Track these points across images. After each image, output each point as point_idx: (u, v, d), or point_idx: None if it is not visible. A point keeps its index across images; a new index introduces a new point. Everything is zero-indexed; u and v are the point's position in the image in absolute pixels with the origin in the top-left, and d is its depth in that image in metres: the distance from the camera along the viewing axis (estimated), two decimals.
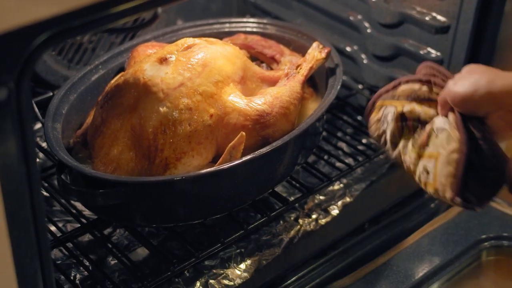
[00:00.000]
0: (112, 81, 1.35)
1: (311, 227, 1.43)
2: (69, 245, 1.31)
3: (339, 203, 1.49)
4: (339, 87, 1.36)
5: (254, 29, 1.59)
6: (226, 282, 1.31)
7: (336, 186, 1.51)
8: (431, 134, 1.11)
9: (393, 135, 1.18)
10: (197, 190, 1.22)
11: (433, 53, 1.52)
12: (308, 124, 1.29)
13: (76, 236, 1.32)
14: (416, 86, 1.15)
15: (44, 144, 1.55)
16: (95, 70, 1.44)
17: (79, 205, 1.36)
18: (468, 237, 1.47)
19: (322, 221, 1.45)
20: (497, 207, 1.55)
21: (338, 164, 1.53)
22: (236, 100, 1.28)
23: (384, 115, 1.18)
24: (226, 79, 1.29)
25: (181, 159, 1.23)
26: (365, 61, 1.68)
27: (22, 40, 0.79)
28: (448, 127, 1.09)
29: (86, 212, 1.36)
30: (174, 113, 1.22)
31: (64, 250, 1.32)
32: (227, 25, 1.60)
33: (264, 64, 1.51)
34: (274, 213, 1.35)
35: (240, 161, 1.21)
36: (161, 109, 1.22)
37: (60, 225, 1.38)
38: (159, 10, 1.44)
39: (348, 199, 1.50)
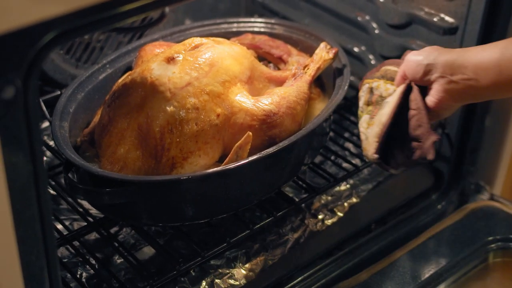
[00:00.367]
0: (120, 80, 1.35)
1: (317, 227, 1.43)
2: (76, 243, 1.31)
3: (346, 203, 1.49)
4: (346, 87, 1.36)
5: (262, 29, 1.59)
6: (231, 281, 1.31)
7: (343, 187, 1.51)
8: (380, 105, 1.26)
9: (361, 109, 1.31)
10: (204, 190, 1.22)
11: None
12: (315, 124, 1.29)
13: (82, 235, 1.32)
14: (391, 67, 1.27)
15: (51, 143, 1.55)
16: (102, 69, 1.44)
17: (86, 203, 1.36)
18: (475, 238, 1.46)
19: (328, 222, 1.45)
20: (504, 209, 1.54)
21: (345, 164, 1.53)
22: (243, 100, 1.28)
23: (362, 90, 1.31)
24: (233, 79, 1.29)
25: (188, 159, 1.23)
26: (372, 62, 1.68)
27: (29, 38, 0.79)
28: (391, 97, 1.23)
29: (93, 211, 1.36)
30: (181, 113, 1.22)
31: (70, 249, 1.32)
32: (235, 25, 1.60)
33: (271, 64, 1.51)
34: (280, 213, 1.35)
35: (247, 161, 1.21)
36: (168, 108, 1.22)
37: (67, 223, 1.39)
38: (167, 9, 1.44)
39: (354, 200, 1.50)
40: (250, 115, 1.27)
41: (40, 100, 1.50)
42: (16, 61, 0.79)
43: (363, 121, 1.29)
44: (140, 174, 1.24)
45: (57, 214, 1.40)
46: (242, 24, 1.60)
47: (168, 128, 1.22)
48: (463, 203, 1.61)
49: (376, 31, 1.64)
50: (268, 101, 1.29)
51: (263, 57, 1.51)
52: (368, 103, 1.29)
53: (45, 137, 1.59)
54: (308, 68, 1.40)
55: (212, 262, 1.33)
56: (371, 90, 1.29)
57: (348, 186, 1.52)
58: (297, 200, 1.40)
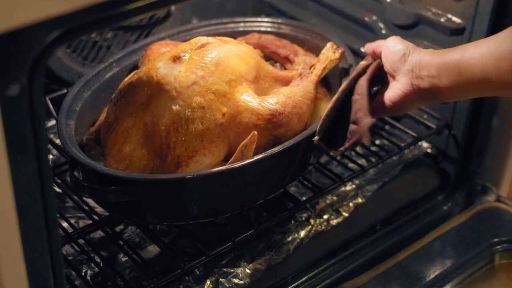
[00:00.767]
0: (126, 79, 1.36)
1: (323, 227, 1.43)
2: (81, 241, 1.32)
3: (351, 204, 1.48)
4: None
5: (269, 29, 1.59)
6: (236, 281, 1.31)
7: (348, 187, 1.51)
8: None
9: None
10: (209, 189, 1.22)
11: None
12: None
13: (87, 233, 1.33)
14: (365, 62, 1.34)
15: (58, 141, 1.56)
16: (109, 68, 1.44)
17: (91, 201, 1.36)
18: (481, 240, 1.46)
19: (334, 222, 1.45)
20: (510, 211, 1.54)
21: (350, 165, 1.53)
22: (248, 99, 1.28)
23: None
24: (239, 78, 1.30)
25: (193, 158, 1.23)
26: None
27: (35, 36, 0.80)
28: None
29: (98, 209, 1.36)
30: (186, 112, 1.22)
31: (75, 246, 1.32)
32: (242, 24, 1.60)
33: (277, 64, 1.51)
34: (285, 213, 1.35)
35: (252, 160, 1.21)
36: (173, 107, 1.23)
37: (72, 221, 1.39)
38: (172, 8, 1.44)
39: (360, 200, 1.49)
40: (255, 115, 1.27)
41: (47, 98, 1.51)
42: (21, 59, 0.79)
43: None
44: (145, 173, 1.24)
45: (63, 212, 1.40)
46: (248, 24, 1.60)
47: (173, 127, 1.22)
48: (469, 205, 1.61)
49: (383, 31, 1.64)
50: (274, 101, 1.29)
51: (270, 57, 1.51)
52: None
53: (52, 135, 1.59)
54: (314, 68, 1.39)
55: (216, 261, 1.33)
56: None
57: (353, 186, 1.51)
58: (302, 200, 1.40)
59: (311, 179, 1.49)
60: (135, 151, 1.25)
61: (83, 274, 1.30)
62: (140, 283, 1.28)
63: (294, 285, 1.38)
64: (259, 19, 1.62)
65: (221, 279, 1.31)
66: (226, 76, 1.28)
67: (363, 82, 1.28)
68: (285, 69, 1.49)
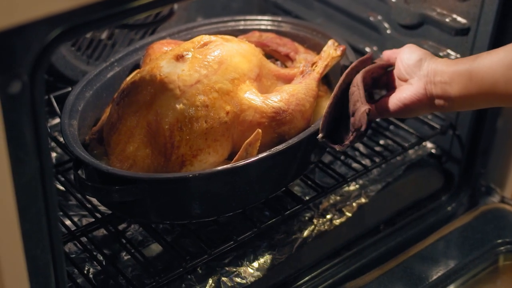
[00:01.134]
0: (128, 78, 1.36)
1: (326, 227, 1.43)
2: (84, 239, 1.32)
3: (354, 204, 1.48)
4: None
5: (269, 27, 1.58)
6: (238, 280, 1.31)
7: (352, 187, 1.51)
8: None
9: None
10: (214, 187, 1.22)
11: (453, 55, 1.51)
12: None
13: (90, 231, 1.33)
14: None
15: (62, 139, 1.56)
16: (110, 67, 1.44)
17: (94, 200, 1.37)
18: (484, 241, 1.45)
19: (337, 222, 1.44)
20: None
21: (354, 164, 1.53)
22: (252, 97, 1.28)
23: None
24: (242, 77, 1.30)
25: (197, 156, 1.23)
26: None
27: (37, 34, 0.80)
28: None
29: (102, 207, 1.36)
30: (190, 110, 1.22)
31: (78, 244, 1.32)
32: (242, 22, 1.60)
33: (278, 62, 1.51)
34: (288, 212, 1.35)
35: (257, 158, 1.21)
36: (177, 106, 1.23)
37: (75, 219, 1.39)
38: (175, 6, 1.44)
39: (363, 200, 1.49)
40: (259, 113, 1.27)
41: (51, 96, 1.51)
42: (22, 56, 0.79)
43: None
44: (149, 172, 1.24)
45: (66, 210, 1.40)
46: (249, 22, 1.59)
47: (177, 125, 1.22)
48: (474, 205, 1.60)
49: (388, 31, 1.63)
50: (277, 98, 1.29)
51: (270, 55, 1.51)
52: None
53: (56, 133, 1.60)
54: (316, 66, 1.39)
55: (219, 260, 1.33)
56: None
57: (357, 186, 1.51)
58: (305, 199, 1.40)
59: (315, 178, 1.49)
60: (139, 150, 1.25)
61: (85, 272, 1.30)
62: (142, 282, 1.28)
63: (296, 284, 1.38)
64: (259, 17, 1.62)
65: (223, 278, 1.31)
66: (229, 75, 1.28)
67: (358, 75, 1.29)
68: (286, 67, 1.49)
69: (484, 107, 1.29)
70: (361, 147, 1.60)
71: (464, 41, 1.48)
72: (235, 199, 1.26)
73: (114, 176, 1.18)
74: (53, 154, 1.59)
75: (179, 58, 1.28)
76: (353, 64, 1.32)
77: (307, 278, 1.39)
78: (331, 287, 1.40)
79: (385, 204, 1.53)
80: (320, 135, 1.25)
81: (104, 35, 1.69)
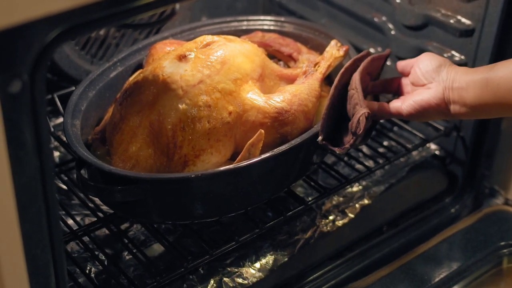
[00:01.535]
0: (131, 78, 1.36)
1: (328, 228, 1.43)
2: (86, 238, 1.32)
3: (357, 205, 1.48)
4: None
5: (272, 27, 1.58)
6: (240, 280, 1.31)
7: (355, 188, 1.51)
8: None
9: None
10: (216, 188, 1.21)
11: (457, 56, 1.50)
12: None
13: (92, 230, 1.33)
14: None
15: (65, 138, 1.56)
16: (113, 67, 1.44)
17: (97, 199, 1.37)
18: (488, 243, 1.45)
19: (339, 223, 1.44)
20: None
21: (358, 166, 1.52)
22: (254, 97, 1.28)
23: None
24: (245, 77, 1.29)
25: (200, 156, 1.23)
26: (388, 63, 1.66)
27: (37, 33, 0.80)
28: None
29: (104, 207, 1.37)
30: (193, 110, 1.22)
31: (80, 244, 1.32)
32: (245, 22, 1.60)
33: (281, 62, 1.50)
34: (290, 213, 1.34)
35: (259, 158, 1.21)
36: (180, 106, 1.23)
37: (78, 218, 1.39)
38: (177, 6, 1.44)
39: (366, 201, 1.49)
40: (262, 113, 1.27)
41: (55, 95, 1.52)
42: (23, 55, 0.79)
43: None
44: (152, 172, 1.24)
45: (69, 209, 1.40)
46: (252, 22, 1.59)
47: (180, 125, 1.22)
48: (477, 207, 1.60)
49: (392, 32, 1.63)
50: (280, 99, 1.29)
51: (273, 55, 1.51)
52: None
53: (60, 132, 1.60)
54: (319, 66, 1.39)
55: (221, 260, 1.33)
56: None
57: (360, 187, 1.51)
58: (308, 200, 1.40)
59: (318, 179, 1.48)
60: (141, 150, 1.25)
61: (87, 271, 1.30)
62: (144, 282, 1.28)
63: (298, 285, 1.38)
64: (262, 17, 1.62)
65: (225, 279, 1.30)
66: (232, 75, 1.28)
67: (355, 76, 1.28)
68: (289, 67, 1.49)
69: (499, 116, 1.28)
70: (364, 148, 1.59)
71: (468, 42, 1.48)
72: (237, 200, 1.26)
73: (116, 176, 1.18)
74: (57, 153, 1.59)
75: (182, 58, 1.28)
76: (347, 64, 1.31)
77: (309, 279, 1.39)
78: None
79: (388, 206, 1.53)
80: (320, 138, 1.25)
81: (108, 35, 1.69)
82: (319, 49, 1.49)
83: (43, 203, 0.88)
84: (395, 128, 1.67)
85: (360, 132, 1.22)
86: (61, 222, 1.32)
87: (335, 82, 1.29)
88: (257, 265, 1.34)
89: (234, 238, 1.28)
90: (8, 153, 0.81)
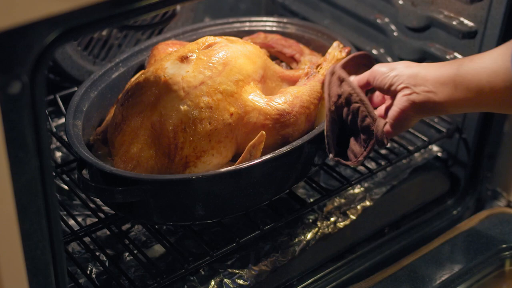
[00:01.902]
0: (133, 79, 1.36)
1: (329, 230, 1.42)
2: (87, 239, 1.32)
3: (359, 206, 1.48)
4: None
5: (274, 28, 1.59)
6: (241, 282, 1.31)
7: (357, 190, 1.51)
8: None
9: None
10: (216, 189, 1.21)
11: (460, 58, 1.50)
12: None
13: (94, 231, 1.33)
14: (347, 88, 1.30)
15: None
16: (115, 68, 1.44)
17: (98, 200, 1.37)
18: (489, 245, 1.44)
19: (341, 224, 1.44)
20: None
21: (359, 167, 1.52)
22: (256, 99, 1.28)
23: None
24: (247, 78, 1.29)
25: (201, 158, 1.23)
26: None
27: (37, 34, 0.80)
28: None
29: (106, 208, 1.37)
30: (194, 112, 1.22)
31: (81, 244, 1.33)
32: (247, 24, 1.60)
33: (283, 63, 1.50)
34: (291, 215, 1.34)
35: (260, 160, 1.21)
36: (181, 107, 1.23)
37: (80, 219, 1.40)
38: (178, 8, 1.44)
39: (368, 203, 1.49)
40: (263, 114, 1.27)
41: (57, 96, 1.52)
42: (23, 57, 0.80)
43: None
44: (153, 173, 1.24)
45: (70, 210, 1.41)
46: (254, 23, 1.60)
47: (181, 127, 1.22)
48: (479, 209, 1.60)
49: (395, 34, 1.63)
50: (281, 100, 1.29)
51: (276, 56, 1.51)
52: None
53: (62, 133, 1.60)
54: (321, 68, 1.39)
55: (222, 261, 1.33)
56: None
57: (362, 189, 1.51)
58: (309, 201, 1.39)
59: (320, 181, 1.48)
60: (142, 151, 1.25)
61: (88, 272, 1.30)
62: (145, 282, 1.28)
63: (299, 287, 1.38)
64: (264, 18, 1.62)
65: (225, 280, 1.30)
66: (234, 76, 1.27)
67: (355, 87, 1.27)
68: (291, 68, 1.49)
69: (472, 111, 1.28)
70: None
71: (471, 44, 1.47)
72: (238, 201, 1.25)
73: (116, 176, 1.18)
74: (59, 154, 1.59)
75: (184, 59, 1.28)
76: (327, 80, 1.30)
77: (310, 280, 1.39)
78: None
79: (390, 207, 1.53)
80: (331, 155, 1.25)
81: (110, 35, 1.69)
82: (322, 50, 1.49)
83: (43, 203, 0.89)
84: None
85: (387, 143, 1.23)
86: (62, 223, 1.33)
87: (329, 102, 1.28)
88: (258, 266, 1.34)
89: (235, 240, 1.28)
90: (7, 154, 0.81)
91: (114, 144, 1.29)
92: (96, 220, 1.34)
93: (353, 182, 1.42)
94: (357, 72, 1.33)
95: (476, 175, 1.59)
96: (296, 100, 1.30)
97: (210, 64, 1.27)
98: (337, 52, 1.42)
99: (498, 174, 1.60)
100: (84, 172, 1.32)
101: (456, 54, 1.51)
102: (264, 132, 1.24)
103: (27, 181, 0.85)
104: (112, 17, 0.84)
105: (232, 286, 1.30)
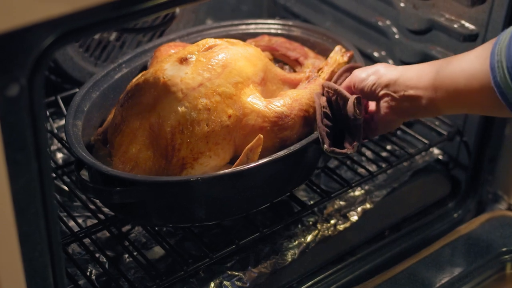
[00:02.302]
0: (133, 80, 1.36)
1: (329, 232, 1.42)
2: (87, 240, 1.32)
3: (359, 209, 1.48)
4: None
5: (279, 31, 1.58)
6: (240, 284, 1.31)
7: (357, 192, 1.50)
8: None
9: None
10: (212, 192, 1.21)
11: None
12: None
13: (94, 232, 1.33)
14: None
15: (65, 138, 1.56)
16: (118, 69, 1.45)
17: (99, 201, 1.37)
18: (490, 249, 1.44)
19: (341, 227, 1.44)
20: None
21: (360, 170, 1.52)
22: (255, 101, 1.28)
23: None
24: (246, 81, 1.29)
25: (198, 159, 1.23)
26: None
27: (35, 37, 0.80)
28: None
29: (106, 209, 1.37)
30: (192, 113, 1.22)
31: (81, 246, 1.33)
32: (252, 26, 1.59)
33: (287, 66, 1.50)
34: (291, 217, 1.34)
35: (256, 164, 1.20)
36: (179, 109, 1.22)
37: (80, 220, 1.40)
38: (177, 10, 1.44)
39: (368, 206, 1.49)
40: (261, 117, 1.26)
41: (59, 97, 1.52)
42: (21, 59, 0.80)
43: None
44: (151, 174, 1.24)
45: (71, 211, 1.41)
46: (259, 26, 1.59)
47: (179, 128, 1.22)
48: (480, 212, 1.59)
49: (396, 36, 1.63)
50: (280, 103, 1.29)
51: (279, 59, 1.51)
52: None
53: (63, 134, 1.60)
54: (322, 71, 1.39)
55: (221, 263, 1.33)
56: None
57: (362, 191, 1.51)
58: (309, 204, 1.39)
59: (320, 183, 1.48)
60: (141, 152, 1.25)
61: (88, 273, 1.30)
62: (144, 284, 1.28)
63: None
64: (269, 21, 1.61)
65: (225, 282, 1.30)
66: (233, 78, 1.27)
67: (326, 84, 1.28)
68: (295, 71, 1.48)
69: (454, 113, 1.28)
70: (367, 152, 1.59)
71: (472, 47, 1.44)
72: (235, 204, 1.26)
73: (113, 177, 1.18)
74: (60, 155, 1.60)
75: (183, 61, 1.28)
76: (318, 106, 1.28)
77: (310, 283, 1.39)
78: None
79: (390, 210, 1.53)
80: (325, 146, 1.23)
81: (112, 37, 1.69)
82: (327, 54, 1.48)
83: (41, 205, 0.89)
84: (398, 132, 1.66)
85: (359, 115, 1.21)
86: (62, 224, 1.33)
87: (316, 102, 1.28)
88: (258, 269, 1.34)
89: (235, 242, 1.28)
90: (6, 156, 0.81)
91: (114, 144, 1.29)
92: (96, 221, 1.34)
93: (353, 185, 1.42)
94: None
95: (477, 178, 1.59)
96: (295, 103, 1.30)
97: (209, 66, 1.27)
98: (339, 56, 1.42)
99: (499, 177, 1.59)
100: (84, 173, 1.32)
101: None
102: (261, 136, 1.23)
103: (26, 183, 0.85)
104: (110, 20, 0.84)
105: None
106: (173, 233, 1.39)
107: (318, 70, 1.40)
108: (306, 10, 1.86)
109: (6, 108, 0.80)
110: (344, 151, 1.23)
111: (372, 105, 1.27)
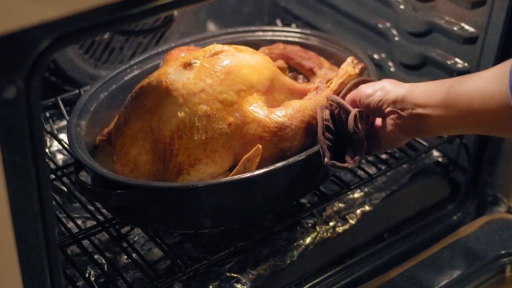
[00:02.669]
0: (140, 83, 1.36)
1: (328, 234, 1.42)
2: (86, 242, 1.32)
3: (358, 211, 1.48)
4: None
5: (297, 39, 1.56)
6: (239, 286, 1.31)
7: (357, 194, 1.51)
8: None
9: None
10: (207, 200, 1.20)
11: (460, 63, 1.50)
12: None
13: (92, 234, 1.33)
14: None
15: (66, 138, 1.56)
16: (129, 70, 1.44)
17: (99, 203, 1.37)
18: (488, 251, 1.44)
19: (340, 229, 1.44)
20: None
21: (359, 172, 1.52)
22: (256, 110, 1.26)
23: None
24: (250, 89, 1.28)
25: (195, 166, 1.22)
26: (392, 69, 1.66)
27: (32, 40, 0.80)
28: None
29: (105, 210, 1.37)
30: (191, 119, 1.21)
31: (80, 247, 1.33)
32: (270, 33, 1.57)
33: (301, 76, 1.49)
34: (290, 219, 1.34)
35: (252, 174, 1.19)
36: (179, 113, 1.22)
37: (79, 221, 1.40)
38: (175, 13, 1.44)
39: (367, 208, 1.49)
40: (261, 126, 1.25)
41: (59, 98, 1.53)
42: (17, 62, 0.80)
43: None
44: (149, 178, 1.24)
45: (70, 212, 1.41)
46: (277, 33, 1.57)
47: (177, 133, 1.22)
48: (480, 215, 1.59)
49: (396, 38, 1.63)
50: (282, 113, 1.27)
51: (294, 68, 1.49)
52: None
53: (63, 135, 1.60)
54: (331, 83, 1.37)
55: (220, 265, 1.33)
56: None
57: (361, 193, 1.51)
58: (308, 206, 1.39)
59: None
60: (140, 155, 1.25)
61: (86, 275, 1.30)
62: (143, 286, 1.28)
63: None
64: (287, 28, 1.60)
65: (223, 284, 1.30)
66: (236, 86, 1.26)
67: (330, 97, 1.26)
68: (309, 81, 1.46)
69: (463, 133, 1.25)
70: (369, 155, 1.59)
71: (472, 49, 1.47)
72: (233, 213, 1.25)
73: (110, 180, 1.18)
74: (60, 156, 1.60)
75: (187, 66, 1.27)
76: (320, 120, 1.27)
77: (308, 285, 1.39)
78: None
79: (389, 212, 1.53)
80: (326, 159, 1.20)
81: (112, 39, 1.69)
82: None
83: (38, 207, 0.89)
84: None
85: (360, 129, 1.20)
86: (61, 225, 1.34)
87: (318, 114, 1.26)
88: (256, 270, 1.34)
89: (233, 243, 1.28)
90: (3, 158, 0.82)
91: (116, 146, 1.29)
92: (96, 223, 1.35)
93: (352, 187, 1.42)
94: None
95: (477, 181, 1.58)
96: (297, 114, 1.28)
97: (213, 72, 1.26)
98: (350, 68, 1.40)
99: (499, 180, 1.59)
100: (85, 174, 1.32)
101: (457, 59, 1.51)
102: (260, 146, 1.21)
103: (23, 185, 0.85)
104: (108, 22, 0.85)
105: None
106: (172, 234, 1.39)
107: (327, 81, 1.38)
108: (306, 12, 1.86)
109: (3, 111, 0.80)
110: (345, 165, 1.20)
111: (378, 121, 1.26)
